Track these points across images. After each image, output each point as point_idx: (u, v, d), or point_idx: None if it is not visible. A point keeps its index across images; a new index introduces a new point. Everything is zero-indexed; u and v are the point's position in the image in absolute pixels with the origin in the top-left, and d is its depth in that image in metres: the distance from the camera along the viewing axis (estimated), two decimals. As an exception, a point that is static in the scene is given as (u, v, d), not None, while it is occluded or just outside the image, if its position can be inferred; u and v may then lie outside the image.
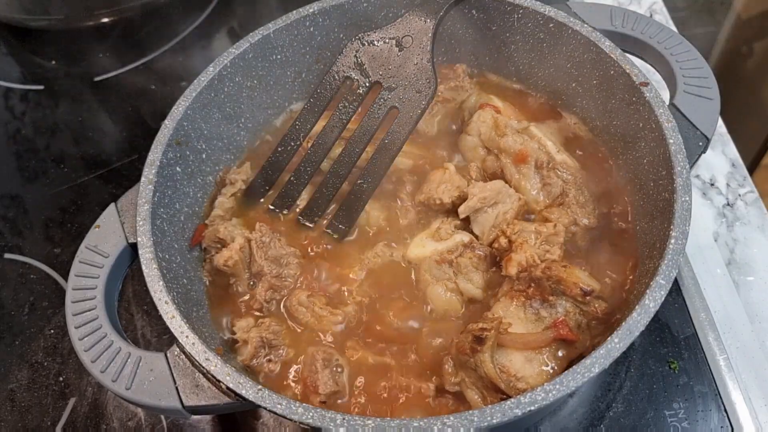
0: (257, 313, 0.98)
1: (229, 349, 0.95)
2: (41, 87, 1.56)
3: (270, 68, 1.14)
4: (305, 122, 1.08)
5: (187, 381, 0.82)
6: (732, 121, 1.36)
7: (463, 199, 1.02)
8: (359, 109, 1.05)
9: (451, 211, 1.03)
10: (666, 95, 1.01)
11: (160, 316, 0.84)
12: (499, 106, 1.13)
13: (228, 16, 1.66)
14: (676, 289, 1.12)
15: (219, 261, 0.99)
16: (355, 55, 1.06)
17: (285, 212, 1.07)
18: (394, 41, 1.04)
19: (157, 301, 0.85)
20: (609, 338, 0.76)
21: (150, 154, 0.97)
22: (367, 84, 1.05)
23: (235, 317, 0.97)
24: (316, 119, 1.07)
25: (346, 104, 1.05)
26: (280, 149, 1.08)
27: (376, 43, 1.05)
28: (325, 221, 1.05)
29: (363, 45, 1.05)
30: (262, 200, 1.09)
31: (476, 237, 1.01)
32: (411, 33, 1.03)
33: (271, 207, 1.07)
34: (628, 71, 1.00)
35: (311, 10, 1.12)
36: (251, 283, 1.00)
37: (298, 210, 1.07)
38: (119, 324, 0.88)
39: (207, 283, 1.02)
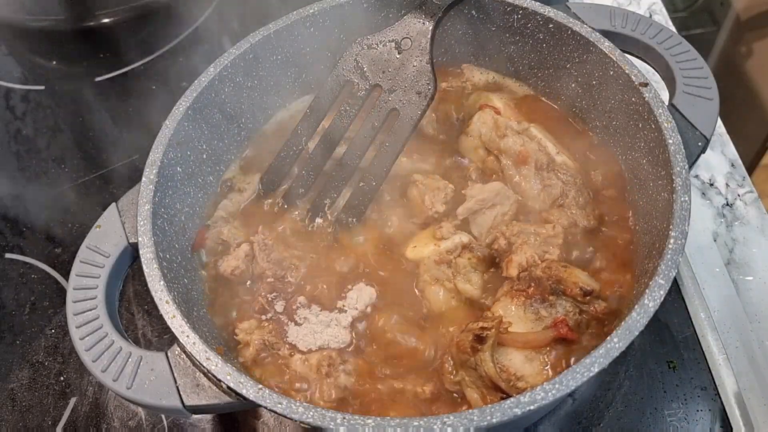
0: (259, 315, 0.98)
1: (230, 349, 0.95)
2: (42, 87, 1.57)
3: (270, 69, 1.14)
4: (307, 126, 1.08)
5: (187, 380, 0.82)
6: (731, 121, 1.36)
7: (454, 195, 1.02)
8: (360, 112, 1.05)
9: (452, 210, 1.03)
10: (665, 95, 1.02)
11: (161, 315, 0.84)
12: (499, 107, 1.13)
13: (228, 16, 1.66)
14: (675, 289, 1.13)
15: (226, 270, 0.99)
16: (355, 59, 1.06)
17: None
18: (393, 44, 1.04)
19: (158, 301, 0.85)
20: (608, 338, 0.76)
21: (151, 154, 0.98)
22: (368, 87, 1.05)
23: (237, 318, 0.98)
24: (319, 123, 1.08)
25: (348, 108, 1.06)
26: (282, 154, 1.09)
27: (375, 46, 1.05)
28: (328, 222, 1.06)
29: (362, 48, 1.06)
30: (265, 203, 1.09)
31: (475, 238, 1.01)
32: (410, 35, 1.04)
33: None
34: (627, 72, 1.00)
35: (311, 11, 1.12)
36: (253, 284, 1.00)
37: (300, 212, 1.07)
38: (120, 324, 0.88)
39: (208, 283, 1.02)
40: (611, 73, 1.03)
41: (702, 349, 1.07)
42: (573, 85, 1.12)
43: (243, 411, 1.06)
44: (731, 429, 1.00)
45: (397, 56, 1.04)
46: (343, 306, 0.97)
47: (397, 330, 0.95)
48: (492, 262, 1.00)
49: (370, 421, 0.73)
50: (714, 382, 1.04)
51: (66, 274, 1.10)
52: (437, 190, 1.03)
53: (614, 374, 1.05)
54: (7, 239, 1.32)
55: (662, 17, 1.55)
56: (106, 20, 1.60)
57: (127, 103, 1.51)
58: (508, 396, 0.81)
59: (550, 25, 1.08)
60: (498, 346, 0.87)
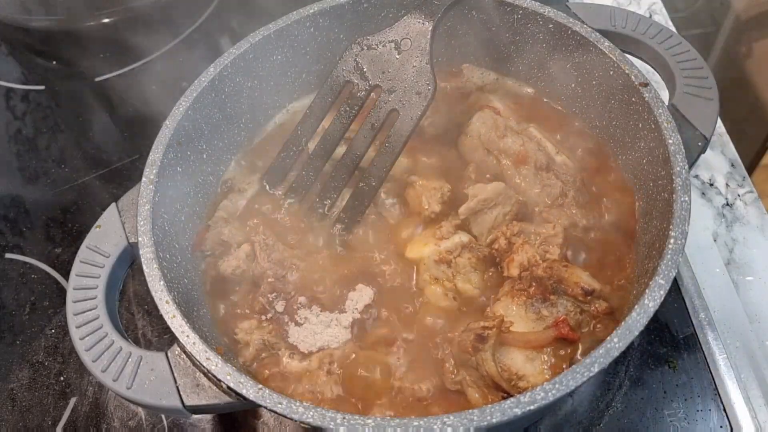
0: (259, 315, 0.98)
1: (229, 349, 0.95)
2: (42, 87, 1.57)
3: (270, 69, 1.14)
4: (307, 127, 1.08)
5: (187, 380, 0.82)
6: (731, 121, 1.36)
7: (452, 195, 1.02)
8: (360, 113, 1.05)
9: (450, 209, 1.03)
10: (665, 95, 1.02)
11: (161, 315, 0.84)
12: (499, 107, 1.13)
13: (228, 16, 1.66)
14: (675, 289, 1.12)
15: (226, 270, 0.99)
16: (355, 60, 1.06)
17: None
18: (393, 44, 1.04)
19: (158, 301, 0.85)
20: (608, 338, 0.76)
21: (151, 154, 0.97)
22: (368, 87, 1.05)
23: (237, 318, 0.98)
24: (319, 123, 1.08)
25: (347, 108, 1.06)
26: (282, 154, 1.09)
27: (375, 46, 1.05)
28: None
29: (362, 49, 1.06)
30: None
31: (475, 238, 1.01)
32: (409, 36, 1.04)
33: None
34: (627, 72, 1.00)
35: (311, 11, 1.12)
36: (254, 284, 1.00)
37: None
38: (120, 324, 0.88)
39: (208, 283, 1.02)
40: (611, 73, 1.03)
41: (702, 349, 1.07)
42: (573, 85, 1.12)
43: (243, 411, 1.06)
44: (731, 429, 1.00)
45: (397, 57, 1.04)
46: (344, 306, 0.97)
47: (397, 330, 0.95)
48: (492, 262, 1.00)
49: (370, 421, 0.73)
50: (714, 382, 1.04)
51: (66, 274, 1.10)
52: (434, 191, 1.03)
53: (614, 374, 1.05)
54: (7, 239, 1.32)
55: (662, 17, 1.55)
56: (106, 20, 1.60)
57: (127, 103, 1.51)
58: (510, 396, 0.81)
59: (550, 25, 1.08)
60: (499, 345, 0.87)
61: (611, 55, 1.02)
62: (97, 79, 1.56)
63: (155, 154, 0.97)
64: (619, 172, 1.07)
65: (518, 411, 0.72)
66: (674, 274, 0.80)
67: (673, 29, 1.45)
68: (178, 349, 0.83)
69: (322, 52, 1.18)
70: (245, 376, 0.78)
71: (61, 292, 1.22)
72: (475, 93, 1.19)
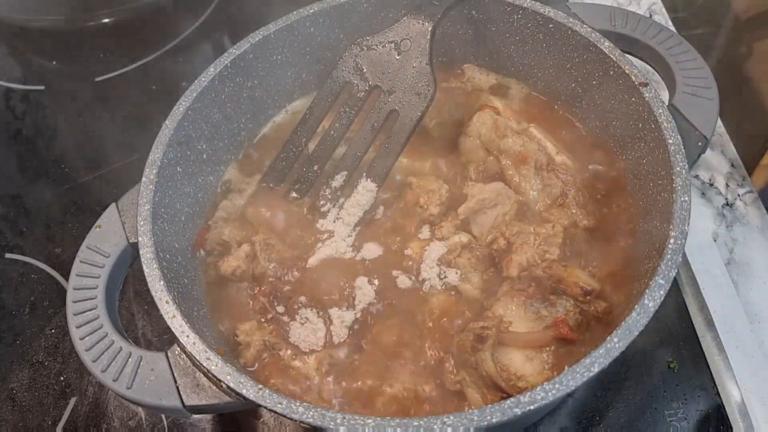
0: (259, 316, 0.98)
1: (230, 350, 0.95)
2: (42, 87, 1.57)
3: (270, 69, 1.14)
4: (307, 127, 1.08)
5: (187, 380, 0.82)
6: (731, 121, 1.36)
7: (450, 196, 1.02)
8: (360, 114, 1.05)
9: (450, 209, 1.03)
10: (665, 96, 1.02)
11: (161, 315, 0.84)
12: (499, 107, 1.13)
13: (228, 16, 1.66)
14: (675, 289, 1.13)
15: (226, 270, 0.99)
16: (355, 60, 1.06)
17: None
18: (392, 45, 1.04)
19: (158, 301, 0.85)
20: (608, 338, 0.76)
21: (151, 154, 0.98)
22: (367, 88, 1.05)
23: (238, 319, 0.98)
24: (318, 124, 1.08)
25: (347, 109, 1.06)
26: (282, 155, 1.09)
27: (375, 47, 1.05)
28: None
29: (362, 49, 1.06)
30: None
31: (474, 238, 1.01)
32: (409, 36, 1.04)
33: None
34: (627, 72, 1.00)
35: (311, 11, 1.12)
36: (254, 285, 1.00)
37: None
38: (120, 323, 0.88)
39: (208, 283, 1.02)
40: (611, 73, 1.03)
41: (702, 349, 1.07)
42: (573, 85, 1.12)
43: (243, 411, 1.06)
44: (731, 429, 1.00)
45: (397, 57, 1.04)
46: (345, 305, 0.97)
47: (398, 330, 0.95)
48: (492, 262, 1.00)
49: (370, 421, 0.73)
50: (714, 382, 1.04)
51: (66, 274, 1.10)
52: (431, 192, 1.03)
53: (614, 374, 1.05)
54: (7, 239, 1.32)
55: (662, 17, 1.55)
56: (106, 20, 1.61)
57: (127, 103, 1.51)
58: (509, 396, 0.81)
59: (550, 25, 1.08)
60: (498, 345, 0.88)
61: (611, 55, 1.02)
62: (97, 79, 1.56)
63: (155, 154, 0.97)
64: (619, 172, 1.07)
65: (518, 411, 0.72)
66: (674, 274, 0.80)
67: (673, 29, 1.45)
68: (178, 349, 0.83)
69: (322, 52, 1.18)
70: (245, 376, 0.78)
71: (61, 292, 1.22)
72: (475, 93, 1.19)
